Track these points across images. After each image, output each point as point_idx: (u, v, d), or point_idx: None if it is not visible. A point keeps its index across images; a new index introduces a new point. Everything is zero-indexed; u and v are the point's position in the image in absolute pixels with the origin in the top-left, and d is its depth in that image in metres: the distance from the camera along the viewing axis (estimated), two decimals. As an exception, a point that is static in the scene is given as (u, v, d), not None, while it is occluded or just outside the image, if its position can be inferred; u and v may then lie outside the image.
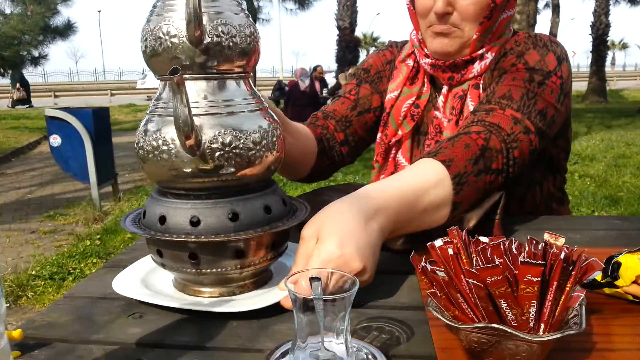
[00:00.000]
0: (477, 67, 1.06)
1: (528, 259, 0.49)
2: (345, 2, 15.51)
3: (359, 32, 18.86)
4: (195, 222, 0.65)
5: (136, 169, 6.65)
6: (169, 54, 0.65)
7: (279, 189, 0.74)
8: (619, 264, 0.68)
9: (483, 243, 0.58)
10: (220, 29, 0.65)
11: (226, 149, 0.64)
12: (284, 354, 0.54)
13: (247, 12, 0.71)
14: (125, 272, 0.76)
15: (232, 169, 0.66)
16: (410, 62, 1.15)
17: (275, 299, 0.66)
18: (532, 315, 0.51)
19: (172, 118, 0.62)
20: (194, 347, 0.59)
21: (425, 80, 1.14)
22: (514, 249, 0.55)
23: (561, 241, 0.58)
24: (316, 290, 0.48)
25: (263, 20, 16.92)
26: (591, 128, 9.32)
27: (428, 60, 1.09)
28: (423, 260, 0.55)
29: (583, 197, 4.48)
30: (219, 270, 0.67)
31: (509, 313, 0.51)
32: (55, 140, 4.59)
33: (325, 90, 9.85)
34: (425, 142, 1.12)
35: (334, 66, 17.19)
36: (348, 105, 1.18)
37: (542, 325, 0.52)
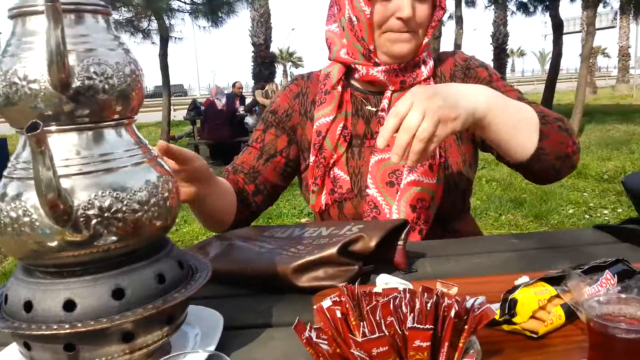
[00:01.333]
0: (424, 70, 1.17)
1: (416, 324, 0.45)
2: (259, 18, 15.50)
3: (274, 48, 18.89)
4: (69, 306, 0.55)
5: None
6: (28, 103, 0.54)
7: (175, 249, 0.66)
8: (515, 301, 0.66)
9: (376, 297, 0.53)
10: (92, 69, 0.55)
11: (105, 215, 0.55)
12: None
13: (126, 46, 0.61)
14: None
15: (114, 237, 0.56)
16: (339, 88, 1.19)
17: None
18: (425, 381, 0.47)
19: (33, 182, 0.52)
20: None
21: (345, 101, 1.20)
22: (403, 307, 0.50)
23: (454, 291, 0.55)
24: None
25: (175, 38, 16.53)
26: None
27: (381, 68, 1.15)
28: (308, 328, 0.50)
29: (491, 200, 4.69)
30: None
31: (398, 383, 0.46)
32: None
33: (242, 108, 9.72)
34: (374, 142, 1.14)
35: (251, 83, 17.08)
36: (255, 155, 1.22)
37: (438, 389, 0.48)
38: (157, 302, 0.58)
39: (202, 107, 9.10)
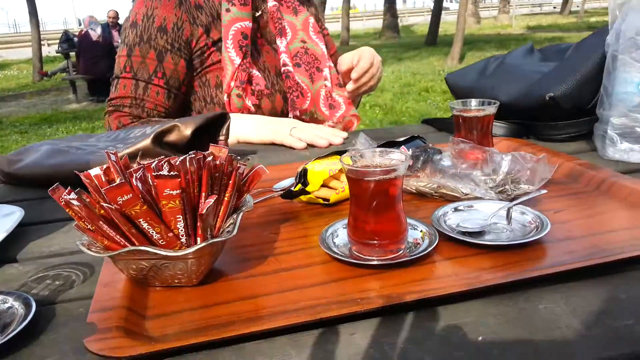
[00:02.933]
0: None
1: (161, 173, 0.47)
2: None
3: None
4: None
5: None
6: None
7: None
8: (305, 171, 0.70)
9: (148, 165, 0.54)
10: None
11: None
12: None
13: None
14: None
15: None
16: None
17: None
18: (182, 230, 0.49)
19: None
20: None
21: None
22: (165, 166, 0.52)
23: (223, 152, 0.57)
24: None
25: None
26: (385, 62, 10.12)
27: None
28: (67, 191, 0.49)
29: (373, 124, 4.87)
30: None
31: (153, 233, 0.48)
32: None
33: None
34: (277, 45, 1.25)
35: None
36: (163, 93, 1.14)
37: (199, 238, 0.51)
38: None
39: (76, 39, 8.34)
